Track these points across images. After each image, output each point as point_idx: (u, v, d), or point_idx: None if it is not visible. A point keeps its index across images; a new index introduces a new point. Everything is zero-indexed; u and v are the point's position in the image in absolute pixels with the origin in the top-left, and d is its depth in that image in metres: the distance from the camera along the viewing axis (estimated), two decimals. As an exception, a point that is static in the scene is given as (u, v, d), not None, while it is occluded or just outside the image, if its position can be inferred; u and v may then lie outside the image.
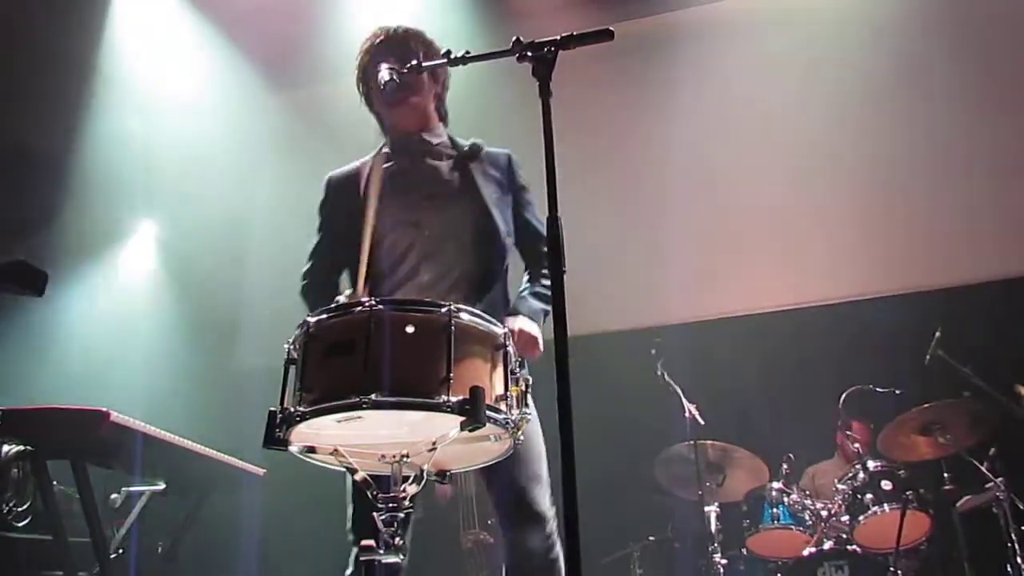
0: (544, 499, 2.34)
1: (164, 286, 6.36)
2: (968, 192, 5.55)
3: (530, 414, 1.81)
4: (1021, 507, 3.96)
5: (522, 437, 1.81)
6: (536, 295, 2.49)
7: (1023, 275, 5.20)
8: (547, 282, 2.43)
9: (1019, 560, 3.87)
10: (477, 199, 2.51)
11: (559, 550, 2.28)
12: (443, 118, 2.71)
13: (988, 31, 5.75)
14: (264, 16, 6.06)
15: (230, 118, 6.28)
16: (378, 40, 2.58)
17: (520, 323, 2.34)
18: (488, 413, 1.66)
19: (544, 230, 2.46)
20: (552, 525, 2.31)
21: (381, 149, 2.65)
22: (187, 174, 6.03)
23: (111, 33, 5.80)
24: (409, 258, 2.45)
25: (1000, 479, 4.01)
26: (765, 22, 6.28)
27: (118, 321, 5.79)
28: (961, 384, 4.33)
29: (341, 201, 2.59)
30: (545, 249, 2.46)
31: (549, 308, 2.34)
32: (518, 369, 1.83)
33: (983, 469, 4.10)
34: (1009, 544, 3.92)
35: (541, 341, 2.34)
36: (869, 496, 4.20)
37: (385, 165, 2.59)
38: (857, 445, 4.51)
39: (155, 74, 5.97)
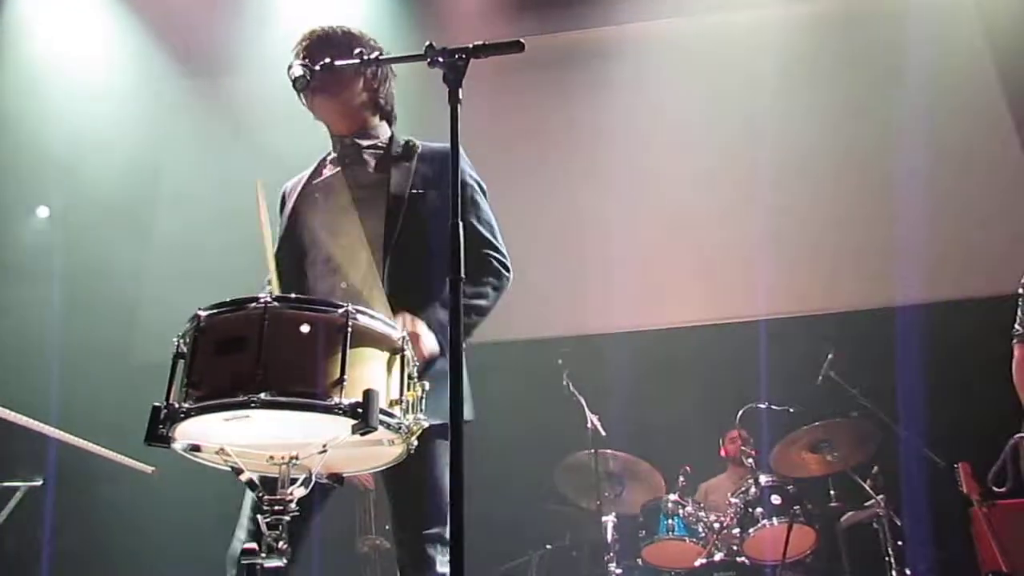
0: (439, 553, 2.22)
1: (56, 274, 6.07)
2: (863, 223, 5.80)
3: (425, 421, 1.78)
4: (899, 523, 4.15)
5: (415, 442, 1.79)
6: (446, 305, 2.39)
7: (909, 303, 5.44)
8: (470, 289, 2.37)
9: (895, 574, 4.06)
10: (387, 199, 2.44)
11: None
12: (386, 117, 2.63)
13: (900, 65, 6.03)
14: (180, 4, 5.90)
15: (135, 104, 6.06)
16: (304, 42, 2.51)
17: (418, 327, 2.23)
18: (381, 417, 1.64)
19: (484, 231, 2.49)
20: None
21: (328, 154, 2.63)
22: (84, 160, 5.79)
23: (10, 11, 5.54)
24: (331, 265, 2.40)
25: (880, 496, 4.19)
26: (689, 42, 6.44)
27: (3, 308, 5.51)
28: (849, 404, 4.52)
29: (284, 209, 2.59)
30: (484, 249, 2.46)
31: (470, 321, 2.35)
32: (416, 374, 1.82)
33: (866, 487, 4.28)
34: (887, 558, 4.11)
35: (429, 342, 2.22)
36: (759, 510, 4.34)
37: (322, 167, 2.59)
38: (750, 460, 4.65)
39: (52, 55, 5.72)
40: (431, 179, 2.47)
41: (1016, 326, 3.21)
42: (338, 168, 2.56)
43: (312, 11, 5.92)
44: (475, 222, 2.48)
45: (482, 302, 2.42)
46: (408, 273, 2.35)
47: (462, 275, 1.77)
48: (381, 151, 2.56)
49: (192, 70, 6.46)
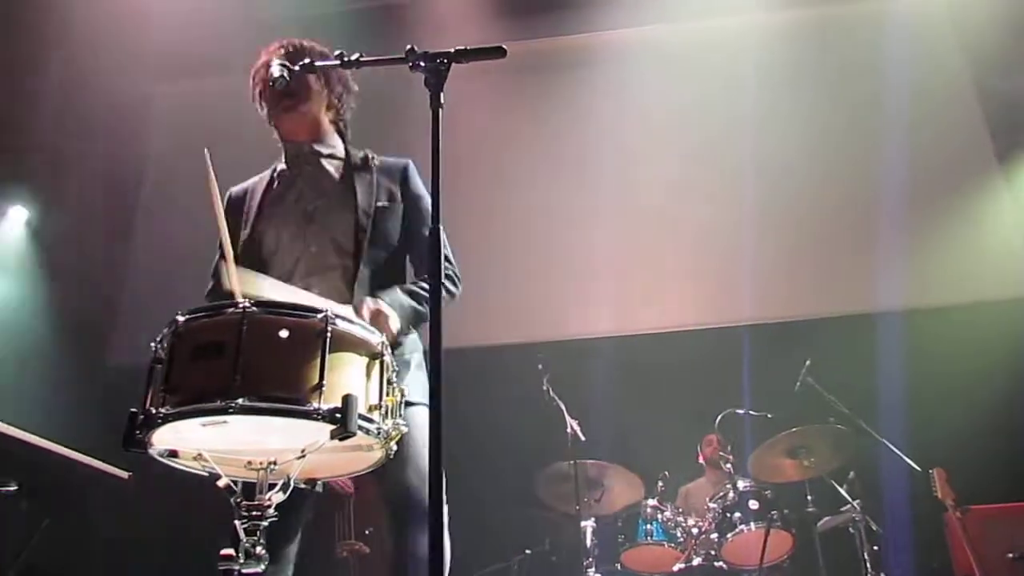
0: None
1: (33, 275, 6.01)
2: (843, 230, 5.86)
3: (404, 425, 1.78)
4: (874, 528, 4.19)
5: (395, 447, 1.79)
6: (406, 290, 2.38)
7: (888, 310, 5.49)
8: (425, 285, 2.40)
9: (870, 578, 4.10)
10: (354, 210, 2.45)
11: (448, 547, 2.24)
12: (341, 130, 2.67)
13: (879, 72, 6.10)
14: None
15: (120, 103, 6.02)
16: (275, 49, 2.54)
17: (379, 304, 2.25)
18: (360, 423, 1.64)
19: (447, 255, 2.48)
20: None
21: (278, 162, 2.62)
22: (63, 161, 5.73)
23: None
24: (298, 273, 2.40)
25: (857, 501, 4.23)
26: (667, 51, 6.48)
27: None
28: (827, 410, 4.56)
29: (233, 217, 2.54)
30: (448, 275, 2.47)
31: (417, 306, 2.35)
32: (395, 379, 1.82)
33: (842, 492, 4.32)
34: (863, 563, 4.14)
35: (394, 322, 2.24)
36: (737, 515, 4.36)
37: (277, 176, 2.59)
38: (729, 465, 4.67)
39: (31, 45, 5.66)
40: (392, 192, 2.53)
41: None
42: (296, 178, 2.56)
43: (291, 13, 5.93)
44: (424, 231, 2.50)
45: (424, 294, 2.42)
46: (378, 283, 2.39)
47: (442, 278, 1.77)
48: (341, 161, 2.59)
49: (174, 72, 6.42)
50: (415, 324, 2.41)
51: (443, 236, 2.49)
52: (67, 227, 5.88)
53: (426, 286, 2.40)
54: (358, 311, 2.16)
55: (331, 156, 2.59)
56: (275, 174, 2.61)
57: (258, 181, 2.62)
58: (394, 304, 2.30)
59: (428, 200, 2.51)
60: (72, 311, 5.79)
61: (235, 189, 2.65)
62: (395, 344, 2.25)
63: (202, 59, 6.07)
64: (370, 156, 2.59)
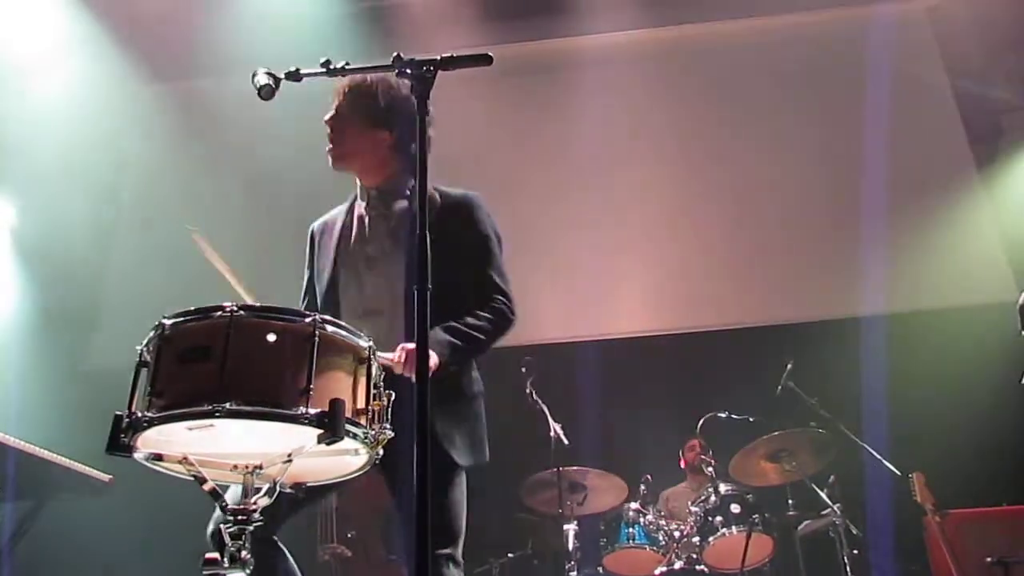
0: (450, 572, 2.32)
1: (15, 276, 5.95)
2: (826, 235, 5.92)
3: (390, 431, 1.78)
4: (854, 532, 4.23)
5: (381, 452, 1.79)
6: (446, 327, 2.32)
7: (870, 314, 5.54)
8: (472, 320, 2.38)
9: (850, 582, 4.13)
10: (408, 256, 2.40)
11: None
12: (407, 163, 2.55)
13: (862, 80, 6.15)
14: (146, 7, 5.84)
15: (98, 109, 5.96)
16: (346, 87, 2.51)
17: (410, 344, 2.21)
18: (347, 427, 1.64)
19: (496, 279, 2.51)
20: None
21: (355, 198, 2.64)
22: (45, 160, 5.67)
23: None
24: (355, 315, 2.40)
25: (837, 505, 4.26)
26: (649, 56, 6.52)
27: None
28: (808, 415, 4.59)
29: (314, 254, 2.62)
30: (493, 301, 2.46)
31: (454, 341, 2.30)
32: (382, 384, 1.82)
33: (823, 495, 4.35)
34: (843, 567, 4.17)
35: (431, 360, 2.17)
36: (719, 518, 4.38)
37: (350, 213, 2.60)
38: (710, 469, 4.70)
39: (10, 56, 5.60)
40: (454, 232, 2.44)
41: None
42: (362, 218, 2.57)
43: (277, 17, 5.91)
44: (490, 271, 2.52)
45: (479, 335, 2.40)
46: (437, 322, 2.29)
47: (429, 285, 1.76)
48: (404, 203, 2.54)
49: (156, 74, 6.38)
50: (458, 361, 2.34)
51: (506, 275, 2.55)
52: (48, 229, 5.83)
53: (473, 321, 2.39)
54: (400, 354, 2.17)
55: (396, 198, 2.55)
56: (350, 210, 2.61)
57: (336, 215, 2.63)
58: (434, 343, 2.23)
59: (491, 239, 2.55)
60: (53, 314, 5.74)
61: (316, 224, 2.68)
62: (454, 387, 2.33)
63: (188, 60, 6.05)
64: (433, 196, 2.49)
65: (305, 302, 2.61)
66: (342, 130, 2.50)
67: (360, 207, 2.60)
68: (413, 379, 2.18)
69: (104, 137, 6.11)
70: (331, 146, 2.52)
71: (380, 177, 2.56)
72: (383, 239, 2.51)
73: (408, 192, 2.55)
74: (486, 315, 2.44)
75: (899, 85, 5.99)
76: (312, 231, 2.69)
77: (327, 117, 2.50)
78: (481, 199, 2.61)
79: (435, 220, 2.38)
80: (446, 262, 2.33)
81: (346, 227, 2.58)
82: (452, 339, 2.31)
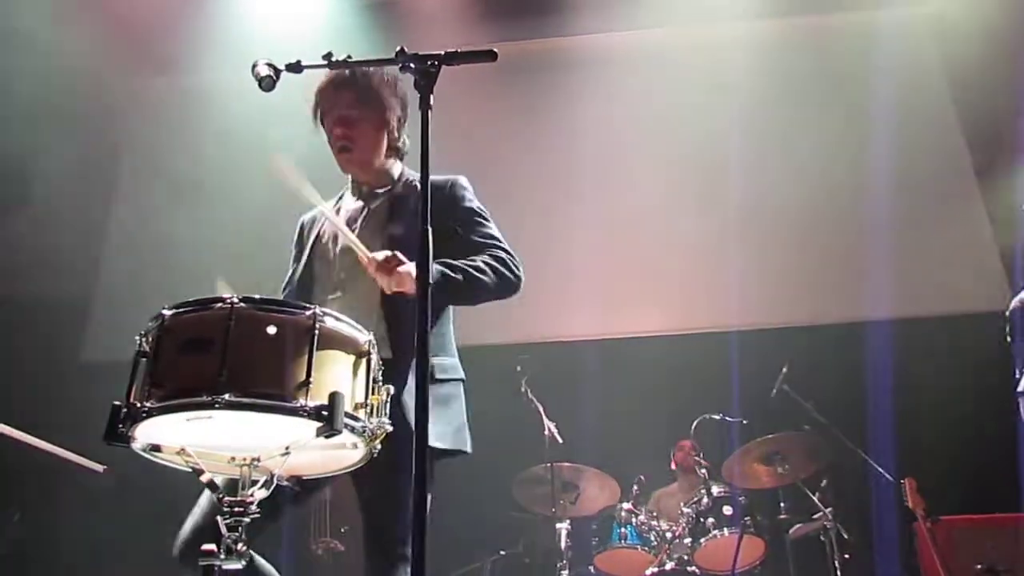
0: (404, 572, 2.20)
1: (5, 269, 5.91)
2: (823, 240, 5.93)
3: (389, 425, 1.78)
4: (845, 536, 4.24)
5: (379, 446, 1.79)
6: (441, 260, 2.23)
7: (868, 320, 5.56)
8: (468, 263, 2.34)
9: (840, 586, 4.14)
10: (395, 238, 2.40)
11: None
12: (398, 153, 2.62)
13: (866, 83, 6.16)
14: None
15: (91, 98, 5.94)
16: (335, 79, 2.49)
17: (406, 266, 2.19)
18: (346, 420, 1.64)
19: (501, 240, 2.50)
20: None
21: (344, 190, 2.64)
22: (35, 155, 5.65)
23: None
24: (327, 301, 2.38)
25: (829, 509, 4.28)
26: (652, 56, 6.52)
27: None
28: (802, 418, 4.60)
29: (300, 245, 2.62)
30: (496, 251, 2.44)
31: (447, 272, 2.25)
32: (380, 377, 1.82)
33: (815, 499, 4.36)
34: (834, 570, 4.19)
35: (408, 280, 2.17)
36: (711, 520, 4.39)
37: (340, 211, 2.58)
38: (704, 470, 4.71)
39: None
40: (439, 213, 2.31)
41: (1018, 372, 3.18)
42: (353, 207, 2.57)
43: (276, 12, 5.90)
44: (487, 231, 2.50)
45: (476, 272, 2.34)
46: (404, 312, 2.26)
47: (431, 282, 1.77)
48: (388, 190, 2.57)
49: (153, 66, 6.37)
50: (447, 291, 2.26)
51: (492, 226, 2.53)
52: (40, 222, 5.80)
53: (473, 262, 2.35)
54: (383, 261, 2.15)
55: (385, 196, 2.56)
56: (339, 203, 2.61)
57: (323, 209, 2.59)
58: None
59: (480, 212, 2.54)
60: (47, 305, 5.72)
61: (305, 217, 2.69)
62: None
63: (178, 55, 6.04)
64: (415, 184, 2.52)
65: (284, 294, 2.58)
66: (358, 133, 2.49)
67: (350, 201, 2.60)
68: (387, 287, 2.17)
69: (98, 130, 6.08)
70: (347, 150, 2.49)
71: (375, 171, 2.57)
72: (365, 226, 2.49)
73: (395, 180, 2.58)
74: (488, 261, 2.39)
75: (900, 91, 6.00)
76: (301, 223, 2.68)
77: (337, 117, 2.45)
78: (465, 180, 2.61)
79: (415, 205, 2.39)
80: (437, 240, 2.40)
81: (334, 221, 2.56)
82: (442, 268, 2.24)
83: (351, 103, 2.49)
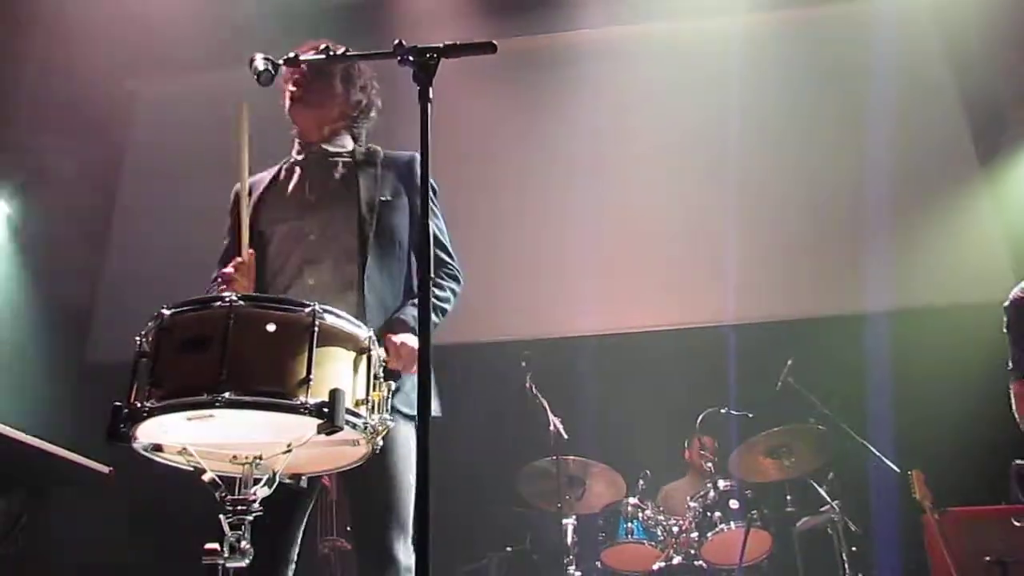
0: (399, 544, 2.21)
1: (12, 272, 5.93)
2: (826, 232, 5.91)
3: (391, 420, 1.78)
4: (853, 529, 4.22)
5: (381, 442, 1.79)
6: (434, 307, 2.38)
7: (869, 311, 5.54)
8: (440, 292, 2.45)
9: (848, 578, 4.13)
10: (356, 204, 2.46)
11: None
12: (355, 135, 2.66)
13: (866, 74, 6.13)
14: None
15: (99, 99, 5.95)
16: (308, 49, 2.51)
17: (403, 337, 2.26)
18: (347, 417, 1.64)
19: (442, 238, 2.54)
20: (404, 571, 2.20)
21: (289, 157, 2.64)
22: (43, 157, 5.67)
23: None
24: (291, 263, 2.42)
25: (836, 502, 4.26)
26: (653, 50, 6.51)
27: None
28: (808, 411, 4.59)
29: (239, 209, 2.55)
30: (441, 255, 2.51)
31: (435, 320, 2.36)
32: (381, 374, 1.81)
33: (822, 492, 4.35)
34: (841, 564, 4.17)
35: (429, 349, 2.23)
36: (718, 514, 4.38)
37: (284, 170, 2.61)
38: (709, 464, 4.71)
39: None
40: (396, 186, 2.53)
41: (1010, 362, 3.20)
42: (301, 171, 2.58)
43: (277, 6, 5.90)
44: (435, 229, 2.53)
45: (446, 305, 2.49)
46: (384, 276, 2.40)
47: (432, 275, 1.77)
48: (347, 158, 2.59)
49: (168, 64, 6.37)
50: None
51: (440, 229, 2.56)
52: (46, 223, 5.82)
53: (440, 293, 2.45)
54: (386, 346, 2.16)
55: (338, 154, 2.59)
56: (283, 168, 2.63)
57: (265, 175, 2.64)
58: (407, 321, 2.34)
59: (438, 191, 2.56)
60: (51, 307, 5.73)
61: (242, 184, 2.63)
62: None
63: (183, 56, 6.04)
64: (376, 150, 2.60)
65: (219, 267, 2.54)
66: (309, 78, 2.51)
67: (294, 163, 2.60)
68: (407, 371, 2.21)
69: (102, 132, 6.09)
70: (295, 89, 2.52)
71: (324, 133, 2.59)
72: (322, 190, 2.51)
73: (352, 149, 2.61)
74: (449, 284, 2.52)
75: (902, 79, 5.98)
76: (237, 192, 2.61)
77: (291, 65, 2.35)
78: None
79: (379, 172, 2.54)
80: (392, 218, 2.46)
81: (280, 182, 2.58)
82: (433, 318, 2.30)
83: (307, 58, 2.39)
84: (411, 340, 2.24)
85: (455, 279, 2.55)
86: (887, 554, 4.62)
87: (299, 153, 2.61)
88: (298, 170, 2.58)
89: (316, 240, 2.43)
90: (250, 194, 2.53)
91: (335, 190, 2.51)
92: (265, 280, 2.43)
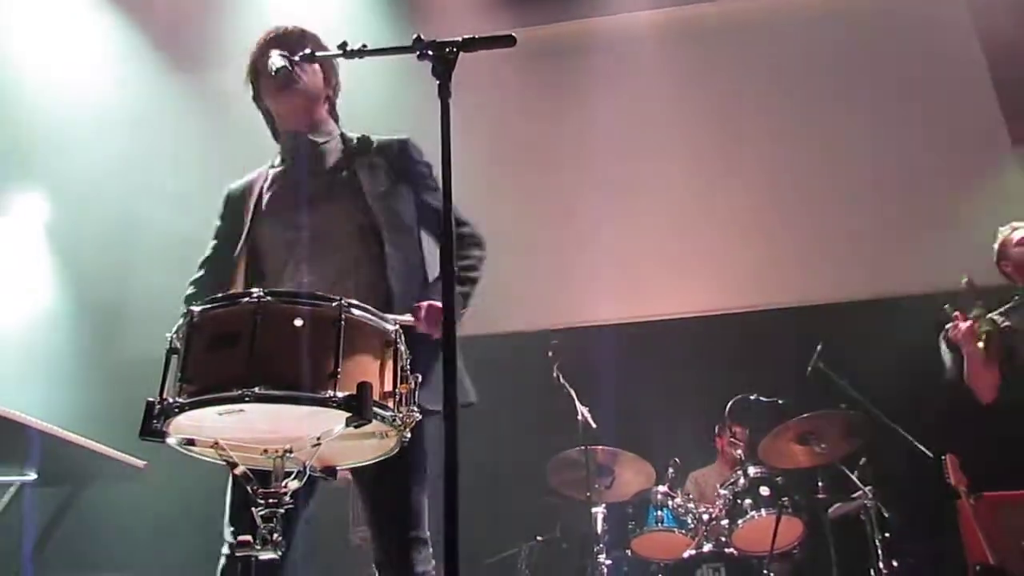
0: (419, 555, 2.22)
1: (45, 267, 6.04)
2: (854, 215, 5.84)
3: (417, 413, 1.79)
4: (886, 515, 4.19)
5: (408, 434, 1.80)
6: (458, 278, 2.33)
7: (897, 295, 5.47)
8: (463, 262, 2.43)
9: (881, 565, 4.09)
10: (359, 195, 2.44)
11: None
12: (334, 113, 2.67)
13: (887, 58, 6.05)
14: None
15: (127, 96, 6.02)
16: (271, 36, 2.53)
17: (427, 301, 2.23)
18: (375, 410, 1.65)
19: (459, 211, 2.48)
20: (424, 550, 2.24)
21: (274, 156, 2.62)
22: (74, 150, 5.74)
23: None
24: (291, 261, 2.41)
25: (868, 488, 4.23)
26: (675, 35, 6.46)
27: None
28: (838, 396, 4.55)
29: (233, 215, 2.56)
30: (465, 236, 2.49)
31: (466, 290, 2.36)
32: (408, 367, 1.83)
33: (853, 478, 4.31)
34: (874, 550, 4.14)
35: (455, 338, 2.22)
36: (748, 501, 4.37)
37: (274, 171, 2.57)
38: (739, 451, 4.69)
39: (33, 54, 5.66)
40: (395, 172, 2.52)
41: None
42: (288, 168, 2.55)
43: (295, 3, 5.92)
44: (434, 202, 2.52)
45: (474, 274, 2.46)
46: (404, 265, 2.39)
47: (455, 265, 1.78)
48: (340, 149, 2.57)
49: (179, 64, 6.42)
50: (464, 308, 2.39)
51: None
52: (82, 219, 5.91)
53: (467, 263, 2.44)
54: (416, 314, 2.16)
55: (327, 144, 2.57)
56: (272, 168, 2.60)
57: (257, 176, 2.60)
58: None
59: (433, 168, 2.53)
60: (88, 303, 5.83)
61: (234, 186, 2.64)
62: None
63: (212, 49, 6.07)
64: (367, 138, 2.57)
65: (200, 273, 2.56)
66: (303, 71, 2.47)
67: (284, 160, 2.58)
68: (435, 335, 2.15)
69: (130, 129, 6.15)
70: (294, 83, 2.46)
71: (309, 121, 2.56)
72: (319, 185, 2.48)
73: (339, 136, 2.59)
74: (472, 251, 2.49)
75: (932, 60, 5.89)
76: (229, 194, 2.62)
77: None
78: (414, 141, 2.61)
79: (375, 160, 2.51)
80: (397, 204, 2.45)
81: (274, 181, 2.55)
82: (460, 287, 2.31)
83: (293, 50, 2.39)
84: (436, 303, 2.21)
85: (476, 244, 2.52)
86: (921, 540, 4.57)
87: (287, 150, 2.59)
88: (289, 167, 2.56)
89: (313, 237, 2.41)
90: (246, 196, 2.54)
91: (333, 184, 2.49)
92: (267, 278, 2.41)
